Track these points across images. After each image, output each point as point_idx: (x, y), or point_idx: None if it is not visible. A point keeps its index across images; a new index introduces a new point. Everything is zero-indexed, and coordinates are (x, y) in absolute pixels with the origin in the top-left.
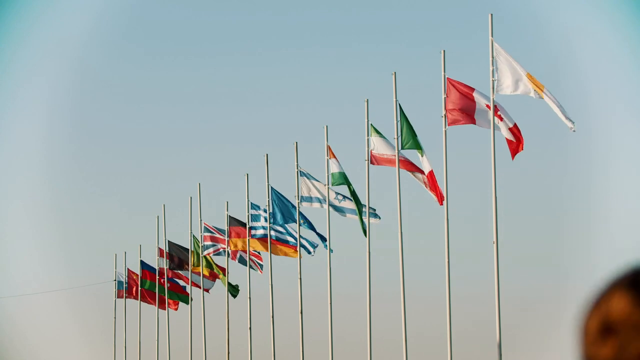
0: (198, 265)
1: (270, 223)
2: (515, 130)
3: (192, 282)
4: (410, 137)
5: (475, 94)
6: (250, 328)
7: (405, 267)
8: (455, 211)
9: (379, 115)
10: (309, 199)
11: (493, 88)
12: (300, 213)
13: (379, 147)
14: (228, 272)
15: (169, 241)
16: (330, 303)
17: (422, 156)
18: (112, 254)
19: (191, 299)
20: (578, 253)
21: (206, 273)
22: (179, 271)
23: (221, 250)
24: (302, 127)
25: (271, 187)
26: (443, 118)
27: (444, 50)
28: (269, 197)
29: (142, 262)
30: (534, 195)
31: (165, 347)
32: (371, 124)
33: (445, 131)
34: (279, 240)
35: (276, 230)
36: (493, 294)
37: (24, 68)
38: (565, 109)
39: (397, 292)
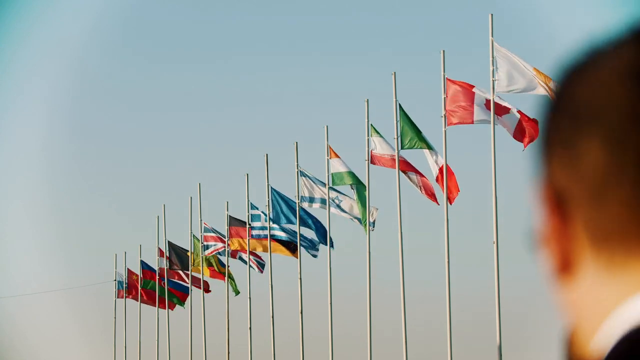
0: (198, 265)
1: (270, 223)
2: (522, 115)
3: (192, 282)
4: (415, 135)
5: (475, 90)
6: (250, 328)
7: (405, 267)
8: (455, 211)
9: (379, 115)
10: (310, 199)
11: (493, 88)
12: (305, 213)
13: (380, 147)
14: (228, 269)
15: (168, 241)
16: (331, 303)
17: (431, 153)
18: (112, 254)
19: (191, 299)
20: None
21: (207, 273)
22: (179, 271)
23: (221, 250)
24: (302, 127)
25: (271, 187)
26: (443, 118)
27: (444, 50)
28: (269, 197)
29: (142, 262)
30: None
31: (165, 347)
32: (371, 124)
33: (445, 131)
34: (280, 240)
35: (276, 230)
36: (493, 294)
37: (24, 68)
38: None
39: (397, 292)
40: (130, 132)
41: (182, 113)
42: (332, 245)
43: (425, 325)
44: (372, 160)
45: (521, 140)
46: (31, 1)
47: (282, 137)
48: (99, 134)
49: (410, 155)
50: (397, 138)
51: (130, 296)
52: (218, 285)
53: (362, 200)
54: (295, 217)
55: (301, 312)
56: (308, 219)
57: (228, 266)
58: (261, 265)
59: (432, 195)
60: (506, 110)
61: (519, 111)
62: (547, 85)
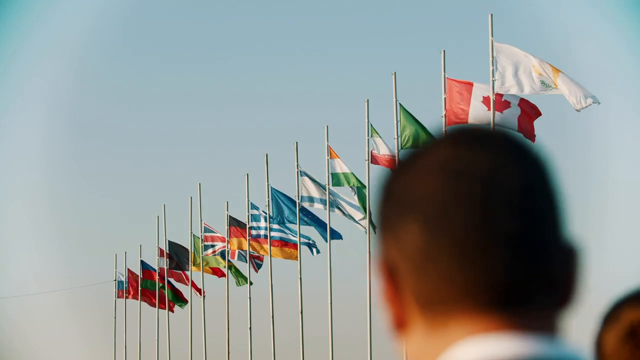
0: (198, 265)
1: (270, 223)
2: (523, 106)
3: (192, 282)
4: (416, 134)
5: (474, 87)
6: (250, 328)
7: None
8: None
9: (379, 115)
10: (310, 199)
11: (493, 88)
12: (306, 212)
13: (381, 148)
14: (231, 263)
15: (169, 241)
16: (331, 303)
17: None
18: (112, 254)
19: (191, 300)
20: None
21: (208, 271)
22: (179, 271)
23: (221, 250)
24: (302, 127)
25: (271, 187)
26: (443, 118)
27: (444, 50)
28: (269, 197)
29: (142, 262)
30: None
31: (165, 347)
32: (371, 125)
33: (446, 131)
34: (280, 240)
35: (276, 230)
36: None
37: (24, 68)
38: (578, 94)
39: None
40: (130, 132)
41: (182, 113)
42: (340, 237)
43: None
44: (373, 160)
45: (527, 132)
46: (31, 1)
47: (282, 137)
48: (99, 134)
49: None
50: (397, 138)
51: (130, 296)
52: (218, 285)
53: (362, 201)
54: (296, 217)
55: (301, 313)
56: (308, 218)
57: (228, 263)
58: (257, 265)
59: None
60: (507, 105)
61: (521, 100)
62: (555, 73)
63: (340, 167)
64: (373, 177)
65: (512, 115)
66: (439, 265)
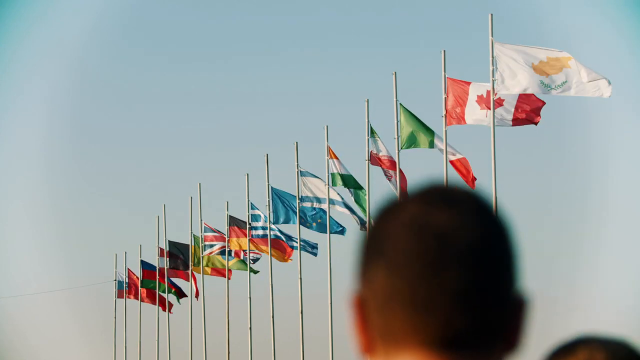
0: (198, 265)
1: (270, 223)
2: (522, 101)
3: (195, 279)
4: (418, 133)
5: (471, 86)
6: (250, 328)
7: None
8: None
9: (379, 115)
10: (310, 199)
11: (493, 88)
12: (306, 212)
13: (382, 149)
14: (229, 267)
15: (169, 240)
16: (331, 303)
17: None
18: (112, 254)
19: (191, 299)
20: (578, 253)
21: (208, 272)
22: (179, 271)
23: (222, 250)
24: (302, 127)
25: (272, 187)
26: (443, 118)
27: (444, 50)
28: (269, 197)
29: (142, 262)
30: (533, 195)
31: (165, 347)
32: (371, 125)
33: (446, 131)
34: (280, 240)
35: (276, 231)
36: None
37: (24, 68)
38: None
39: None
40: (130, 132)
41: (182, 113)
42: (343, 233)
43: None
44: (373, 160)
45: (524, 122)
46: (31, 1)
47: (282, 137)
48: (98, 134)
49: (411, 155)
50: (397, 138)
51: (131, 296)
52: (218, 285)
53: (360, 202)
54: (296, 217)
55: (301, 313)
56: (308, 219)
57: (229, 264)
58: (255, 259)
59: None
60: (499, 103)
61: (520, 96)
62: (565, 61)
63: (338, 168)
64: (373, 178)
65: (506, 112)
66: (396, 306)
